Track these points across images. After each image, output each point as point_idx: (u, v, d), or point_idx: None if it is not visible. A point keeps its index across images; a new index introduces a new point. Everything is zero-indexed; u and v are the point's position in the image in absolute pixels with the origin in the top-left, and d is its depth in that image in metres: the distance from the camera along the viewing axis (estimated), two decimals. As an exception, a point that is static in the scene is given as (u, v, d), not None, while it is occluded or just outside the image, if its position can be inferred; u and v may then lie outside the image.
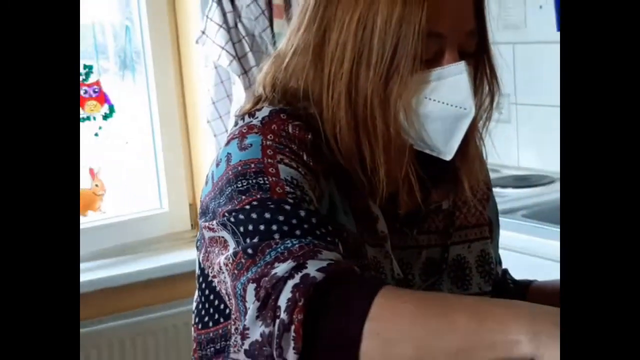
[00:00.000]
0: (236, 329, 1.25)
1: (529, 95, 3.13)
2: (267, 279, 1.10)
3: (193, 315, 1.41)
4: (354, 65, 1.28)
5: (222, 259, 1.21)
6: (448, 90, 1.28)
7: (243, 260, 1.16)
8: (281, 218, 1.18)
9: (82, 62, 3.04)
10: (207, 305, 1.39)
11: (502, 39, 2.98)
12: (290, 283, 1.07)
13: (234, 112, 2.71)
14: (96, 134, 3.01)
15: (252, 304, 1.12)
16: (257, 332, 1.10)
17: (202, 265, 1.36)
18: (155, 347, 2.83)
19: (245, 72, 2.91)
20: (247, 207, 1.20)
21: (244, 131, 1.30)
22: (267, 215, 1.18)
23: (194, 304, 1.41)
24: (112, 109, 3.05)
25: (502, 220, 2.31)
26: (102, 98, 3.03)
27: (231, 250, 1.19)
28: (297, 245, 1.13)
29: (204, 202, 1.31)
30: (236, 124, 1.37)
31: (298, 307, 1.05)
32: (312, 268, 1.08)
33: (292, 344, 1.07)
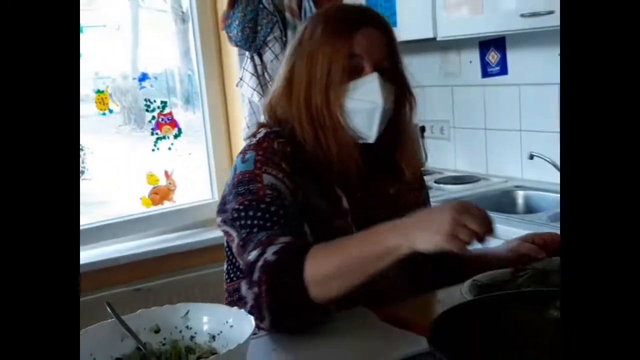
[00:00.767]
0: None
1: (462, 121, 3.12)
2: (247, 263, 1.22)
3: (224, 274, 1.48)
4: (307, 85, 1.35)
5: (233, 245, 1.30)
6: (365, 92, 1.32)
7: (240, 249, 1.27)
8: (259, 214, 1.26)
9: (159, 99, 2.99)
10: (231, 267, 1.45)
11: (444, 82, 3.12)
12: (257, 265, 1.19)
13: (243, 135, 2.83)
14: (169, 148, 3.03)
15: (243, 280, 1.27)
16: (250, 299, 1.22)
17: (226, 243, 1.42)
18: (201, 294, 2.79)
19: (268, 105, 3.03)
20: (241, 207, 1.28)
21: (246, 149, 1.37)
22: (251, 212, 1.26)
23: (225, 266, 1.47)
24: (180, 131, 3.05)
25: None
26: (173, 124, 3.03)
27: (236, 240, 1.29)
28: (264, 237, 1.22)
29: (223, 198, 1.37)
30: (246, 143, 1.42)
31: (262, 281, 1.17)
32: (269, 252, 1.19)
33: (264, 308, 1.17)
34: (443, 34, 2.67)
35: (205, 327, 1.09)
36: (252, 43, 2.92)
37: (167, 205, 3.09)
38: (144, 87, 3.00)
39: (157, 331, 1.09)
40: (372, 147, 1.39)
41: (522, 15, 2.30)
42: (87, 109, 2.88)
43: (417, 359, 1.09)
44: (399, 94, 1.39)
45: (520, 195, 2.72)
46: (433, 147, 3.29)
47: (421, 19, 2.72)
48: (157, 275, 2.84)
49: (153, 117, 3.02)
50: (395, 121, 1.40)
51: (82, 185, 2.86)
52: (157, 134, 3.03)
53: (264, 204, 1.27)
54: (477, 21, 2.50)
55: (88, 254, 2.74)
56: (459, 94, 3.12)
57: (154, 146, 3.02)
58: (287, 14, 3.01)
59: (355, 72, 1.33)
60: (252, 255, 1.22)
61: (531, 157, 2.63)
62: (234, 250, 1.32)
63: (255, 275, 1.20)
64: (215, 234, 2.76)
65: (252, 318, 1.03)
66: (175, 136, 3.07)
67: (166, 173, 3.07)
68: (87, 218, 2.88)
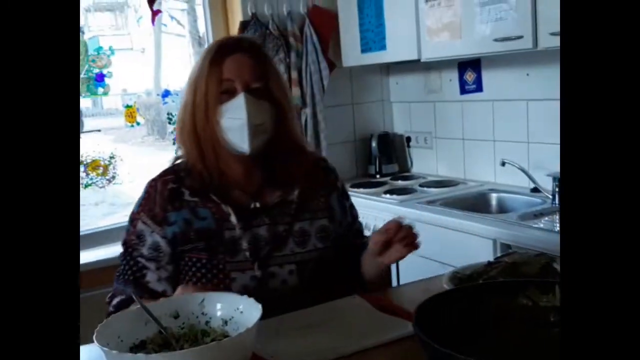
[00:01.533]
0: None
1: (443, 132, 3.09)
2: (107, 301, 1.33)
3: None
4: (192, 111, 1.34)
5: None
6: (234, 110, 1.30)
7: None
8: (122, 261, 1.35)
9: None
10: None
11: (428, 99, 3.12)
12: (108, 307, 1.31)
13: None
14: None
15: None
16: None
17: None
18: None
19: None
20: (122, 243, 1.36)
21: (147, 184, 1.39)
22: (121, 253, 1.36)
23: None
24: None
25: (428, 207, 2.49)
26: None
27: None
28: (114, 288, 1.33)
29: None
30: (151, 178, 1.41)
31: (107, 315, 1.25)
32: (112, 304, 1.31)
33: None
34: (426, 56, 2.67)
35: (219, 313, 1.09)
36: (260, 64, 2.92)
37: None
38: (166, 103, 3.00)
39: (176, 317, 1.09)
40: (263, 159, 1.38)
41: (496, 40, 2.30)
42: (118, 121, 2.90)
43: (404, 342, 1.09)
44: (278, 109, 1.36)
45: (493, 197, 2.73)
46: (418, 155, 3.31)
47: (407, 43, 2.72)
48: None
49: (174, 129, 3.01)
50: (278, 133, 1.37)
51: (113, 188, 2.87)
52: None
53: (128, 255, 1.34)
54: (456, 45, 2.49)
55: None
56: (440, 108, 3.12)
57: (175, 154, 3.01)
58: (291, 39, 3.02)
59: (229, 94, 1.32)
60: (107, 299, 1.34)
61: (503, 163, 2.64)
62: None
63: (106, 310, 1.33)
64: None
65: (259, 306, 1.02)
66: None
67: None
68: (118, 217, 2.88)
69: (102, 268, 2.36)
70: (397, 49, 2.80)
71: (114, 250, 2.59)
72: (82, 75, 2.81)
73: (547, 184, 2.43)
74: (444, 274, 1.29)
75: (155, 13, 2.77)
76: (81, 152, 2.77)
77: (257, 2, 2.96)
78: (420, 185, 2.93)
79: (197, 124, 1.34)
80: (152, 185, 1.37)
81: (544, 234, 2.03)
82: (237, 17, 2.98)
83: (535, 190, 2.55)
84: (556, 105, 2.49)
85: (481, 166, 2.93)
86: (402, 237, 1.24)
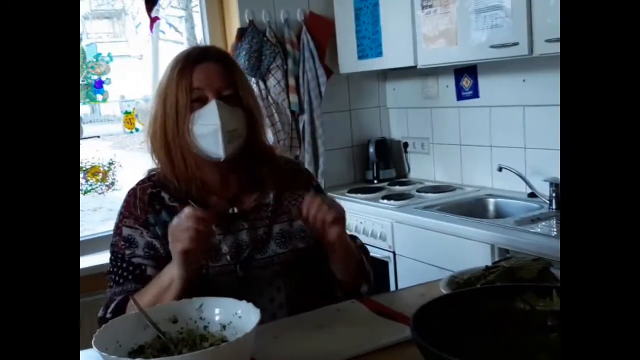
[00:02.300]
0: None
1: (440, 138, 3.09)
2: (99, 317, 1.29)
3: None
4: (162, 120, 1.34)
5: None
6: (206, 117, 1.30)
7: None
8: (113, 270, 1.33)
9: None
10: None
11: (425, 105, 3.12)
12: (102, 320, 1.25)
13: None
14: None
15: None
16: None
17: None
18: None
19: (272, 125, 2.93)
20: (111, 255, 1.35)
21: (127, 194, 1.39)
22: (110, 264, 1.35)
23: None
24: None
25: (425, 212, 2.49)
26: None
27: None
28: (108, 294, 1.32)
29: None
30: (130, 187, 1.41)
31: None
32: (103, 311, 1.29)
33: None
34: (423, 62, 2.67)
35: (217, 318, 1.09)
36: (257, 70, 2.94)
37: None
38: (163, 109, 2.98)
39: (174, 321, 1.09)
40: (238, 164, 1.38)
41: (492, 47, 2.31)
42: (116, 128, 2.89)
43: (402, 346, 1.09)
44: (249, 115, 1.37)
45: (491, 202, 2.73)
46: (415, 160, 3.31)
47: (404, 50, 2.73)
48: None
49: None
50: (250, 138, 1.38)
51: (113, 194, 2.86)
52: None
53: (119, 260, 1.33)
54: (452, 52, 2.50)
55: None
56: (437, 114, 3.12)
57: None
58: (288, 46, 3.03)
59: (200, 102, 1.32)
60: (100, 312, 1.30)
61: (500, 169, 2.64)
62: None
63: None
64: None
65: (257, 310, 1.02)
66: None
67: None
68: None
69: (100, 273, 2.34)
70: (393, 56, 2.81)
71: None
72: (80, 82, 2.80)
73: (544, 189, 2.43)
74: (442, 279, 1.29)
75: (153, 20, 2.77)
76: (80, 159, 2.76)
77: (255, 9, 2.98)
78: (418, 191, 2.93)
79: (168, 134, 1.34)
80: (131, 194, 1.38)
81: (541, 238, 2.03)
82: (234, 24, 2.99)
83: (532, 195, 2.55)
84: (552, 111, 2.50)
85: (478, 171, 2.93)
86: (314, 216, 1.25)
